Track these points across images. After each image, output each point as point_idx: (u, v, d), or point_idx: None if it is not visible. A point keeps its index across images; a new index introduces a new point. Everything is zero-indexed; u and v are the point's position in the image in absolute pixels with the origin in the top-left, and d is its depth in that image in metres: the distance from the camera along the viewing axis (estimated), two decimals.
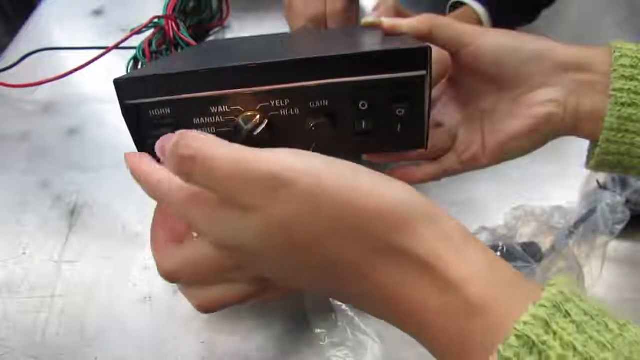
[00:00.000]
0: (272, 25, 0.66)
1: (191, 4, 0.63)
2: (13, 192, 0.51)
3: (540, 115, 0.34)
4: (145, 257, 0.46)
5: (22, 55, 0.60)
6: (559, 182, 0.50)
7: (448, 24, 0.35)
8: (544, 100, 0.34)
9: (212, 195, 0.23)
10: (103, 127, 0.57)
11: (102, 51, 0.56)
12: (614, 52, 0.33)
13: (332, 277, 0.23)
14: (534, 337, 0.18)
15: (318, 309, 0.41)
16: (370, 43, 0.35)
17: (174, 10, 0.60)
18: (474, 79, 0.37)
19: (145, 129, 0.30)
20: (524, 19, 0.59)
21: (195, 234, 0.26)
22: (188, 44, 0.58)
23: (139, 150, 0.31)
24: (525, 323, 0.18)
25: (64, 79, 0.56)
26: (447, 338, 0.20)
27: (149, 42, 0.58)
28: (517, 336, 0.18)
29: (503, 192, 0.50)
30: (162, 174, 0.25)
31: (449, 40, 0.35)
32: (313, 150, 0.31)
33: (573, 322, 0.18)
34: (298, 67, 0.28)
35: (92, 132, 0.57)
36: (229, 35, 0.69)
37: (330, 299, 0.40)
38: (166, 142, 0.24)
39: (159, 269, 0.26)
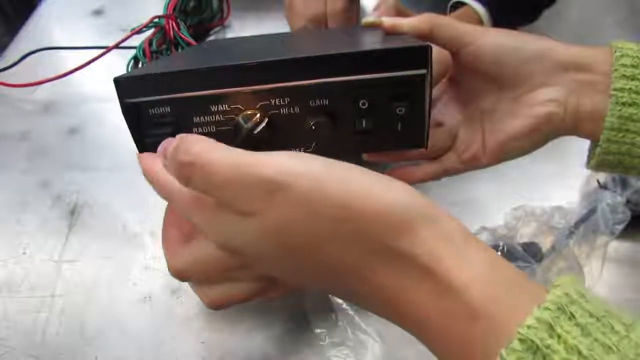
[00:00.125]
0: (273, 25, 0.66)
1: (191, 4, 0.63)
2: (13, 192, 0.51)
3: (540, 114, 0.34)
4: (145, 257, 0.46)
5: (22, 54, 0.60)
6: (559, 182, 0.50)
7: (449, 24, 0.35)
8: (544, 100, 0.34)
9: (212, 200, 0.23)
10: (103, 127, 0.57)
11: (102, 51, 0.56)
12: (615, 51, 0.33)
13: (332, 278, 0.23)
14: (537, 341, 0.18)
15: (318, 309, 0.41)
16: (371, 42, 0.35)
17: (174, 9, 0.60)
18: (475, 79, 0.37)
19: (145, 128, 0.30)
20: (525, 19, 0.59)
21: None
22: (188, 44, 0.58)
23: (138, 149, 0.31)
24: (529, 327, 0.18)
25: (64, 78, 0.56)
26: (448, 341, 0.20)
27: (149, 41, 0.58)
28: (520, 340, 0.18)
29: (503, 192, 0.50)
30: (173, 182, 0.25)
31: (450, 39, 0.35)
32: (313, 149, 0.31)
33: (578, 324, 0.18)
34: (298, 66, 0.28)
35: (92, 131, 0.57)
36: (229, 34, 0.69)
37: (331, 298, 0.40)
38: (168, 146, 0.25)
39: (169, 268, 0.27)
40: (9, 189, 0.51)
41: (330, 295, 0.40)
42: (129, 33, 0.57)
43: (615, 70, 0.32)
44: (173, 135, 0.25)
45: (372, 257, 0.21)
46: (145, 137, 0.30)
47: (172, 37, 0.58)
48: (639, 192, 0.44)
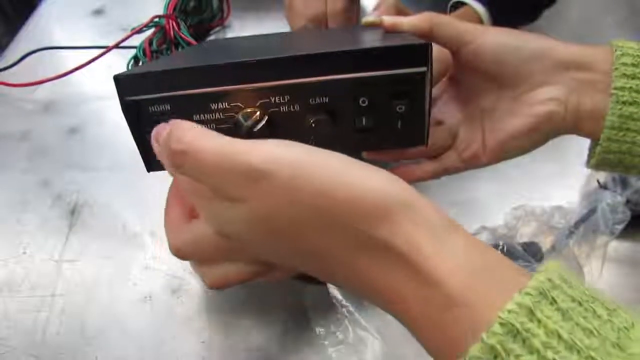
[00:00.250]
0: (273, 25, 0.66)
1: (192, 4, 0.63)
2: (13, 192, 0.51)
3: (541, 113, 0.34)
4: (146, 256, 0.46)
5: (22, 54, 0.60)
6: (559, 182, 0.50)
7: (449, 22, 0.35)
8: (544, 99, 0.34)
9: (207, 186, 0.24)
10: (103, 127, 0.57)
11: (102, 50, 0.56)
12: (615, 50, 0.33)
13: (316, 263, 0.23)
14: (517, 325, 0.18)
15: (318, 306, 0.41)
16: (371, 40, 0.35)
17: (174, 9, 0.60)
18: (475, 78, 0.37)
19: (144, 125, 0.30)
20: (525, 18, 0.59)
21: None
22: (189, 44, 0.58)
23: (138, 147, 0.31)
24: (509, 311, 0.18)
25: (65, 78, 0.56)
26: (428, 327, 0.21)
27: (150, 41, 0.59)
28: (501, 324, 0.18)
29: (503, 192, 0.50)
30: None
31: (450, 38, 0.35)
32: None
33: (559, 309, 0.18)
34: (298, 64, 0.28)
35: (92, 131, 0.57)
36: (229, 34, 0.69)
37: (331, 296, 0.40)
38: (161, 131, 0.25)
39: (169, 246, 0.27)
40: (9, 188, 0.51)
41: (330, 293, 0.40)
42: (129, 33, 0.57)
43: (616, 69, 0.32)
44: None
45: (351, 245, 0.22)
46: (145, 135, 0.30)
47: (173, 37, 0.58)
48: (639, 192, 0.44)
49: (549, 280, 0.19)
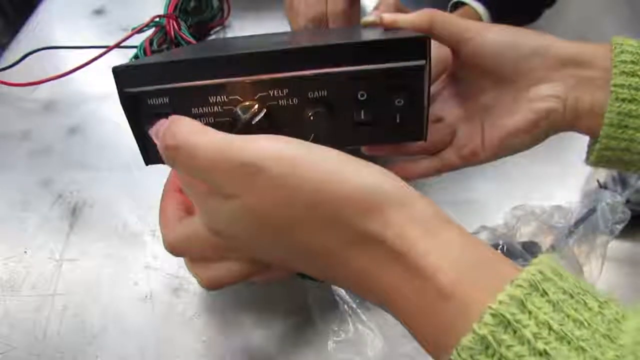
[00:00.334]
0: (273, 25, 0.66)
1: (192, 3, 0.63)
2: (14, 191, 0.51)
3: (540, 110, 0.34)
4: (146, 256, 0.46)
5: (23, 54, 0.60)
6: (559, 182, 0.50)
7: (448, 19, 0.35)
8: (544, 96, 0.34)
9: (200, 182, 0.24)
10: (104, 126, 0.57)
11: (103, 50, 0.56)
12: (615, 47, 0.33)
13: (309, 259, 0.23)
14: (508, 316, 0.18)
15: (321, 304, 0.41)
16: (370, 34, 0.35)
17: (175, 9, 0.61)
18: (474, 74, 0.37)
19: (143, 118, 0.29)
20: (525, 19, 0.59)
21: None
22: (189, 43, 0.58)
23: (136, 140, 0.31)
24: (500, 302, 0.18)
25: (65, 78, 0.56)
26: (422, 319, 0.21)
27: (150, 41, 0.59)
28: (492, 315, 0.18)
29: (503, 192, 0.50)
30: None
31: (450, 35, 0.35)
32: (311, 141, 0.31)
33: (550, 301, 0.19)
34: (297, 56, 0.28)
35: (93, 131, 0.57)
36: (229, 34, 0.69)
37: (333, 294, 0.40)
38: (160, 127, 0.25)
39: (163, 241, 0.27)
40: (10, 188, 0.51)
41: (333, 290, 0.40)
42: (129, 32, 0.57)
43: (615, 66, 0.32)
44: None
45: (344, 240, 0.22)
46: (144, 128, 0.30)
47: (173, 37, 0.59)
48: (639, 191, 0.44)
49: (541, 272, 0.19)
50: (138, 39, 0.58)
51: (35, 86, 0.58)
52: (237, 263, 0.26)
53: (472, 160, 0.37)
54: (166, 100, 0.29)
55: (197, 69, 0.29)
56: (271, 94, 0.29)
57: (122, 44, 0.56)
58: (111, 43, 0.56)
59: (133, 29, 0.58)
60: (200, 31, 0.66)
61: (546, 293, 0.19)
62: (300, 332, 0.41)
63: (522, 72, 0.34)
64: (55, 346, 0.40)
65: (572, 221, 0.44)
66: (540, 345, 0.17)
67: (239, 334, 0.41)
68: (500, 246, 0.42)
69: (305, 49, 0.28)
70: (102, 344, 0.40)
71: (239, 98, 0.29)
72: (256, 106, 0.29)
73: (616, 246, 0.45)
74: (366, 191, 0.21)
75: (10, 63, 0.59)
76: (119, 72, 0.29)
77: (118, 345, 0.40)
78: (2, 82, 0.58)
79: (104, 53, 0.56)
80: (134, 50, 0.59)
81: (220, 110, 0.29)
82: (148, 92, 0.29)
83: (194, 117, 0.30)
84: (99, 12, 0.72)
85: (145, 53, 0.58)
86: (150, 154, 0.31)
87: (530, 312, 0.18)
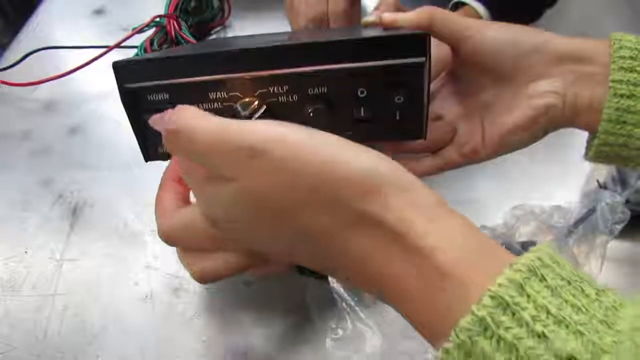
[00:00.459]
0: (273, 25, 0.66)
1: (192, 3, 0.63)
2: (15, 191, 0.51)
3: (539, 106, 0.34)
4: (147, 255, 0.46)
5: (23, 54, 0.60)
6: (559, 182, 0.50)
7: (448, 17, 0.35)
8: (543, 92, 0.34)
9: (203, 169, 0.24)
10: (104, 126, 0.57)
11: (103, 50, 0.56)
12: (613, 43, 0.33)
13: (307, 244, 0.23)
14: (507, 298, 0.18)
15: (319, 302, 0.41)
16: (370, 32, 0.35)
17: (175, 9, 0.61)
18: (474, 72, 0.37)
19: (143, 114, 0.29)
20: (526, 18, 0.59)
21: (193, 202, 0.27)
22: (189, 43, 0.58)
23: (136, 136, 0.31)
24: (499, 285, 0.18)
25: (65, 77, 0.56)
26: (417, 302, 0.21)
27: (151, 41, 0.59)
28: (491, 297, 0.18)
29: (503, 191, 0.50)
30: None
31: (449, 33, 0.35)
32: None
33: (548, 286, 0.19)
34: (297, 53, 0.28)
35: (93, 130, 0.57)
36: (230, 34, 0.69)
37: (332, 291, 0.40)
38: (164, 115, 0.25)
39: (158, 230, 0.27)
40: (10, 188, 0.51)
41: (331, 288, 0.40)
42: (130, 32, 0.57)
43: (614, 62, 0.32)
44: None
45: (344, 222, 0.22)
46: (143, 124, 0.30)
47: (173, 37, 0.59)
48: (639, 191, 0.44)
49: (539, 259, 0.19)
50: (138, 39, 0.58)
51: (35, 86, 0.58)
52: (233, 254, 0.26)
53: (473, 157, 0.37)
54: (166, 96, 0.29)
55: (197, 65, 0.29)
56: (271, 91, 0.29)
57: (123, 44, 0.56)
58: (111, 43, 0.56)
59: (133, 28, 0.58)
60: (201, 31, 0.66)
61: (544, 278, 0.19)
62: (299, 330, 0.41)
63: (521, 68, 0.34)
64: (56, 346, 0.40)
65: (572, 221, 0.44)
66: (538, 327, 0.17)
67: (239, 334, 0.41)
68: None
69: (306, 45, 0.28)
70: (103, 344, 0.40)
71: (239, 94, 0.29)
72: (256, 102, 0.29)
73: (616, 246, 0.45)
74: (365, 174, 0.22)
75: (10, 63, 0.59)
76: (119, 68, 0.29)
77: (118, 345, 0.40)
78: (2, 82, 0.58)
79: (104, 53, 0.56)
80: (135, 50, 0.59)
81: (220, 106, 0.29)
82: (148, 88, 0.29)
83: None
84: (99, 12, 0.72)
85: (145, 53, 0.58)
86: (150, 151, 0.31)
87: (529, 296, 0.18)
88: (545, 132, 0.35)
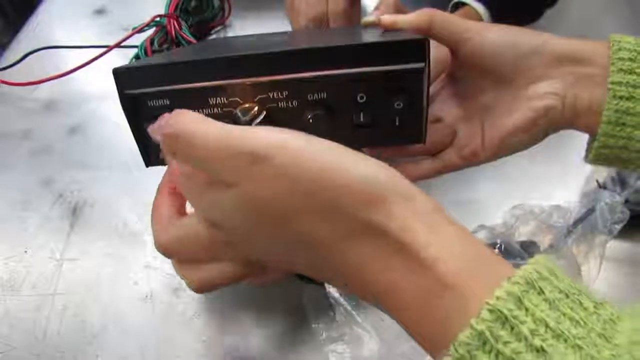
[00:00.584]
0: (273, 24, 0.67)
1: (193, 3, 0.63)
2: (15, 191, 0.51)
3: (539, 108, 0.34)
4: (147, 255, 0.46)
5: (23, 53, 0.60)
6: (558, 182, 0.50)
7: (448, 19, 0.35)
8: (542, 93, 0.34)
9: (202, 174, 0.24)
10: (104, 126, 0.57)
11: (103, 50, 0.56)
12: (612, 45, 0.33)
13: (311, 254, 0.23)
14: (506, 312, 0.18)
15: (316, 305, 0.41)
16: (370, 37, 0.35)
17: (175, 9, 0.61)
18: (474, 74, 0.37)
19: (143, 120, 0.30)
20: (526, 19, 0.59)
21: (189, 210, 0.27)
22: (189, 43, 0.58)
23: (137, 141, 0.31)
24: (498, 298, 0.18)
25: (66, 77, 0.56)
26: (417, 312, 0.21)
27: (151, 40, 0.59)
28: (489, 310, 0.18)
29: (503, 192, 0.50)
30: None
31: (449, 35, 0.35)
32: None
33: (546, 299, 0.19)
34: (296, 58, 0.28)
35: (93, 130, 0.57)
36: (230, 34, 0.69)
37: (329, 294, 0.40)
38: (162, 120, 0.25)
39: (155, 241, 0.27)
40: (10, 187, 0.51)
41: (327, 292, 0.40)
42: (130, 32, 0.57)
43: (613, 63, 0.32)
44: None
45: (345, 230, 0.22)
46: (144, 130, 0.30)
47: (174, 37, 0.59)
48: (638, 191, 0.44)
49: (537, 271, 0.19)
50: (139, 39, 0.58)
51: (35, 86, 0.58)
52: (229, 264, 0.26)
53: (473, 160, 0.37)
54: (166, 101, 0.29)
55: (197, 71, 0.29)
56: (271, 96, 0.29)
57: (123, 44, 0.57)
58: (111, 43, 0.56)
59: (134, 28, 0.58)
60: (201, 31, 0.66)
61: (542, 291, 0.19)
62: (298, 332, 0.41)
63: (521, 70, 0.34)
64: (56, 346, 0.40)
65: (571, 221, 0.44)
66: (537, 342, 0.17)
67: (239, 334, 0.41)
68: (499, 245, 0.42)
69: (305, 51, 0.28)
70: (102, 344, 0.40)
71: (238, 100, 0.29)
72: (256, 108, 0.29)
73: (615, 246, 0.45)
74: (366, 182, 0.21)
75: (10, 63, 0.60)
76: (119, 74, 0.29)
77: (118, 345, 0.40)
78: (2, 81, 0.58)
79: (105, 53, 0.56)
80: (135, 50, 0.59)
81: (220, 112, 0.29)
82: (148, 94, 0.29)
83: None
84: (99, 11, 0.72)
85: (145, 53, 0.58)
86: (151, 156, 0.31)
87: (527, 309, 0.18)
88: (545, 134, 0.35)
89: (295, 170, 0.21)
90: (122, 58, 0.58)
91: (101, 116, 0.58)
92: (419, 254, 0.20)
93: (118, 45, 0.56)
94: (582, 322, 0.18)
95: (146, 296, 0.43)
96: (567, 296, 0.19)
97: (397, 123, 0.30)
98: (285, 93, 0.29)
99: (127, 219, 0.48)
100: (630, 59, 0.32)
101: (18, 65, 0.60)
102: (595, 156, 0.34)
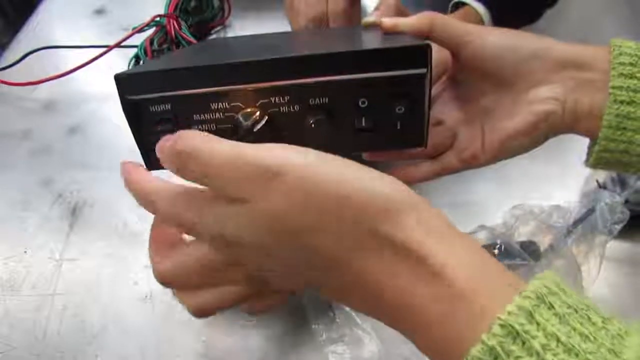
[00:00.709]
0: (273, 24, 0.67)
1: (192, 3, 0.63)
2: (14, 191, 0.51)
3: (539, 112, 0.34)
4: (146, 255, 0.45)
5: (23, 53, 0.60)
6: (558, 182, 0.50)
7: (448, 22, 0.35)
8: (543, 98, 0.34)
9: (204, 190, 0.23)
10: (104, 126, 0.57)
11: (103, 50, 0.56)
12: (613, 50, 0.33)
13: (323, 272, 0.23)
14: (517, 327, 0.18)
15: (316, 306, 0.41)
16: (371, 41, 0.35)
17: (175, 9, 0.61)
18: (474, 77, 0.37)
19: (145, 125, 0.30)
20: (526, 19, 0.59)
21: (186, 240, 0.27)
22: (189, 43, 0.58)
23: (138, 147, 0.31)
24: (509, 313, 0.18)
25: (65, 77, 0.56)
26: (429, 324, 0.21)
27: (151, 40, 0.59)
28: (501, 325, 0.18)
29: (503, 192, 0.50)
30: (155, 182, 0.25)
31: (450, 38, 0.35)
32: (313, 148, 0.31)
33: (556, 314, 0.19)
34: (298, 64, 0.28)
35: (93, 130, 0.57)
36: (230, 34, 0.69)
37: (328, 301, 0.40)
38: (165, 141, 0.25)
39: (154, 271, 0.26)
40: (10, 187, 0.51)
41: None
42: (130, 32, 0.57)
43: (614, 68, 0.32)
44: (173, 132, 0.26)
45: (360, 244, 0.22)
46: (146, 134, 0.30)
47: (173, 37, 0.59)
48: (638, 192, 0.44)
49: (546, 286, 0.20)
50: (138, 39, 0.58)
51: (35, 86, 0.58)
52: (230, 288, 0.25)
53: (473, 163, 0.37)
54: (168, 107, 0.29)
55: (199, 77, 0.29)
56: (273, 101, 0.29)
57: (123, 44, 0.57)
58: (111, 43, 0.56)
59: (133, 28, 0.58)
60: (201, 31, 0.66)
61: (552, 306, 0.19)
62: (298, 332, 0.41)
63: (521, 74, 0.34)
64: (55, 346, 0.40)
65: (571, 221, 0.44)
66: (549, 357, 0.18)
67: (239, 334, 0.41)
68: (499, 245, 0.42)
69: (307, 58, 0.28)
70: (102, 344, 0.40)
71: (240, 105, 0.29)
72: (258, 113, 0.29)
73: (615, 246, 0.45)
74: (386, 198, 0.22)
75: (10, 63, 0.60)
76: (121, 80, 0.29)
77: (118, 345, 0.40)
78: (2, 81, 0.58)
79: (104, 53, 0.56)
80: (134, 50, 0.59)
81: (221, 117, 0.30)
82: (150, 100, 0.29)
83: (196, 123, 0.30)
84: (99, 11, 0.72)
85: (145, 53, 0.58)
86: (152, 160, 0.31)
87: (538, 324, 0.18)
88: (545, 138, 0.35)
89: (309, 186, 0.21)
90: (121, 58, 0.58)
91: (101, 116, 0.58)
92: (435, 267, 0.20)
93: (118, 45, 0.56)
94: (591, 337, 0.18)
95: (146, 296, 0.43)
96: (576, 311, 0.19)
97: (398, 127, 0.30)
98: (287, 98, 0.29)
99: (127, 219, 0.48)
100: (631, 64, 0.32)
101: (18, 65, 0.60)
102: (595, 160, 0.34)
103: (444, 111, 0.39)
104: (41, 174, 0.52)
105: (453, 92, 0.39)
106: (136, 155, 0.31)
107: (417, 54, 0.28)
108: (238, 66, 0.29)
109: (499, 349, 0.18)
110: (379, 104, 0.30)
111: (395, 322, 0.22)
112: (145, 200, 0.26)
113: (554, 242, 0.43)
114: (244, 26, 0.70)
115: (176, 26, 0.59)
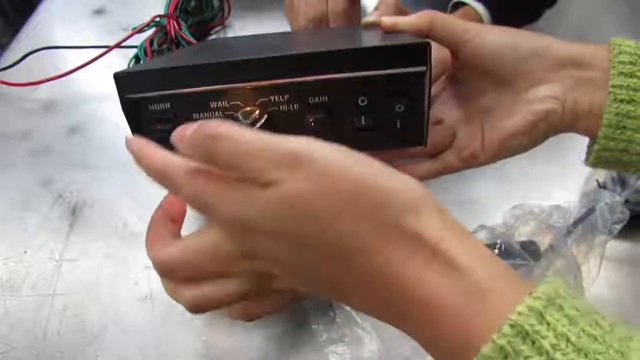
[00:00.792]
0: (273, 24, 0.67)
1: (192, 3, 0.63)
2: (14, 191, 0.51)
3: (539, 111, 0.34)
4: (146, 255, 0.46)
5: (23, 54, 0.60)
6: (558, 182, 0.50)
7: (448, 21, 0.35)
8: (542, 97, 0.34)
9: (228, 174, 0.23)
10: (104, 126, 0.57)
11: (103, 50, 0.56)
12: (613, 48, 0.33)
13: (338, 258, 0.22)
14: (527, 327, 0.18)
15: (316, 306, 0.41)
16: (371, 39, 0.35)
17: (175, 9, 0.61)
18: (474, 76, 0.37)
19: (144, 124, 0.30)
20: (526, 19, 0.59)
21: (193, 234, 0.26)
22: (189, 43, 0.58)
23: None
24: (519, 313, 0.19)
25: (65, 77, 0.56)
26: (441, 318, 0.21)
27: (151, 40, 0.59)
28: (511, 325, 0.18)
29: (503, 192, 0.50)
30: (173, 159, 0.24)
31: (449, 36, 0.35)
32: None
33: (566, 315, 0.19)
34: (297, 62, 0.28)
35: (93, 131, 0.57)
36: (230, 34, 0.69)
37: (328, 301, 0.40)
38: (186, 129, 0.24)
39: (154, 259, 0.26)
40: (10, 188, 0.51)
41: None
42: (130, 32, 0.57)
43: (613, 67, 0.32)
44: (173, 131, 0.25)
45: (383, 232, 0.21)
46: (145, 133, 0.30)
47: (173, 37, 0.59)
48: (638, 191, 0.44)
49: (555, 289, 0.20)
50: (138, 39, 0.58)
51: (35, 86, 0.58)
52: (231, 282, 0.25)
53: (472, 162, 0.37)
54: (167, 105, 0.29)
55: (198, 75, 0.29)
56: (272, 100, 0.29)
57: (123, 44, 0.57)
58: (111, 43, 0.56)
59: (133, 28, 0.58)
60: (201, 31, 0.66)
61: (562, 308, 0.19)
62: (298, 332, 0.41)
63: (521, 73, 0.34)
64: (55, 346, 0.40)
65: (571, 221, 0.44)
66: (558, 356, 0.18)
67: (239, 334, 0.41)
68: (499, 245, 0.42)
69: (306, 55, 0.29)
70: (102, 344, 0.40)
71: (240, 103, 0.29)
72: (257, 112, 0.29)
73: (615, 246, 0.45)
74: (408, 192, 0.22)
75: (10, 63, 0.60)
76: (120, 79, 0.29)
77: (118, 345, 0.40)
78: (2, 82, 0.58)
79: (104, 53, 0.56)
80: (134, 50, 0.59)
81: (221, 115, 0.30)
82: (149, 98, 0.29)
83: (195, 122, 0.30)
84: (99, 12, 0.72)
85: (145, 53, 0.58)
86: None
87: (548, 324, 0.19)
88: (545, 137, 0.35)
89: (340, 171, 0.22)
90: (121, 58, 0.58)
91: (101, 116, 0.58)
92: (454, 260, 0.21)
93: (118, 45, 0.56)
94: (600, 339, 0.19)
95: (146, 296, 0.43)
96: (585, 314, 0.20)
97: (398, 126, 0.30)
98: (286, 96, 0.29)
99: (127, 220, 0.48)
100: (630, 62, 0.32)
101: (18, 66, 0.60)
102: (595, 159, 0.34)
103: (444, 110, 0.39)
104: (41, 174, 0.52)
105: (453, 91, 0.39)
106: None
107: (417, 52, 0.28)
108: (237, 64, 0.29)
109: (508, 348, 0.18)
110: (379, 103, 0.29)
111: (403, 316, 0.22)
112: (161, 175, 0.25)
113: (554, 242, 0.43)
114: (244, 26, 0.70)
115: (176, 26, 0.59)
